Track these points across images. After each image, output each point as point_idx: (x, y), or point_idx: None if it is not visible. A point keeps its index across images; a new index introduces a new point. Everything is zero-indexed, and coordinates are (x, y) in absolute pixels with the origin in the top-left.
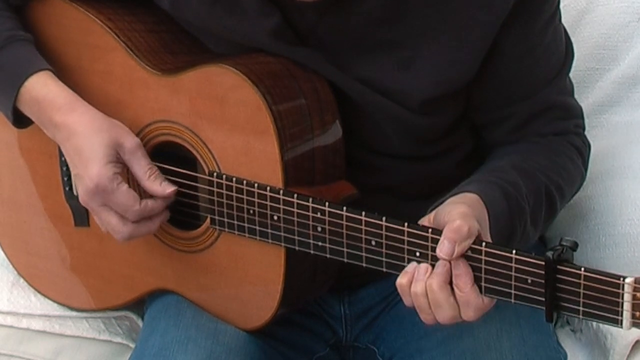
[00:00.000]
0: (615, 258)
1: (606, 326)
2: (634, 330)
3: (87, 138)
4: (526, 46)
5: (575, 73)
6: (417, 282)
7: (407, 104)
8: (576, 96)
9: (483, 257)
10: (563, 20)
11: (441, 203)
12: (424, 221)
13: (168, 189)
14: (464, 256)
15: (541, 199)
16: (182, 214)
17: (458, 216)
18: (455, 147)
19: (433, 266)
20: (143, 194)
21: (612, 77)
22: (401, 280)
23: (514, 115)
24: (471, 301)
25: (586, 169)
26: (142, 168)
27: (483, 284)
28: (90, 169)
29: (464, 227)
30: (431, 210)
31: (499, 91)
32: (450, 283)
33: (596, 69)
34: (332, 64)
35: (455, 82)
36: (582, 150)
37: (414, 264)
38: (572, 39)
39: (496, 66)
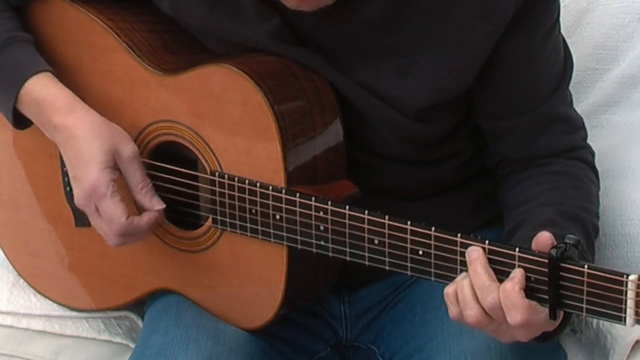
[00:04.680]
0: (615, 258)
1: (606, 326)
2: (634, 330)
3: (85, 141)
4: (527, 55)
5: (575, 73)
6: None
7: (404, 110)
8: (576, 96)
9: (486, 255)
10: (563, 20)
11: None
12: None
13: (157, 205)
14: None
15: (591, 237)
16: (184, 213)
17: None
18: (453, 154)
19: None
20: (135, 209)
21: (612, 77)
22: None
23: (519, 127)
24: (516, 303)
25: (599, 180)
26: (136, 179)
27: None
28: (89, 172)
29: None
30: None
31: (501, 101)
32: None
33: (596, 69)
34: (331, 66)
35: (451, 91)
36: (592, 163)
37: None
38: (572, 39)
39: (497, 75)
